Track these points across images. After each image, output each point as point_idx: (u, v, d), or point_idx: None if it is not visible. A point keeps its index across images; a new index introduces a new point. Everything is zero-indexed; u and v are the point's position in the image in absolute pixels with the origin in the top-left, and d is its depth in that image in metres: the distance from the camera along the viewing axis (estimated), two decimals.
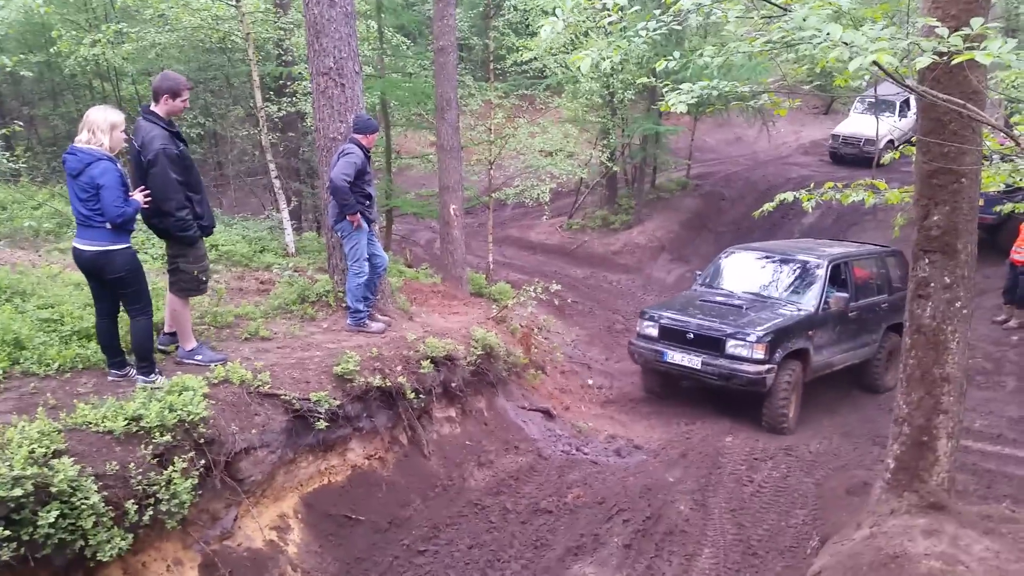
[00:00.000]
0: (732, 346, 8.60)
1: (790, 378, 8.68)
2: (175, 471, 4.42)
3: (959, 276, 4.91)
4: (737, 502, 6.80)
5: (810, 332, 9.02)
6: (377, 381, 6.27)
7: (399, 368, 6.62)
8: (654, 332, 9.35)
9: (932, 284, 5.07)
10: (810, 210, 6.94)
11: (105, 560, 4.00)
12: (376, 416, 6.46)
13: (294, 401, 5.58)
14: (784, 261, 10.00)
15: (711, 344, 8.77)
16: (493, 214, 12.99)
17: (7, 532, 3.46)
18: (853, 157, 20.10)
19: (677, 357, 9.01)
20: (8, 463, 3.58)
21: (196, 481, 4.60)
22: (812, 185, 6.79)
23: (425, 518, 6.15)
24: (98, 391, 4.75)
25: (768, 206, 7.02)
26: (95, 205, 4.79)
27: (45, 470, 3.69)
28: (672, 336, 9.15)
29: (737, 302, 9.39)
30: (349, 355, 6.22)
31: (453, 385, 7.29)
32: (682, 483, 7.18)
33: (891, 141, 18.79)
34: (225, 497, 5.09)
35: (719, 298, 9.63)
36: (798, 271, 9.74)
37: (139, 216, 5.25)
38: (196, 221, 5.52)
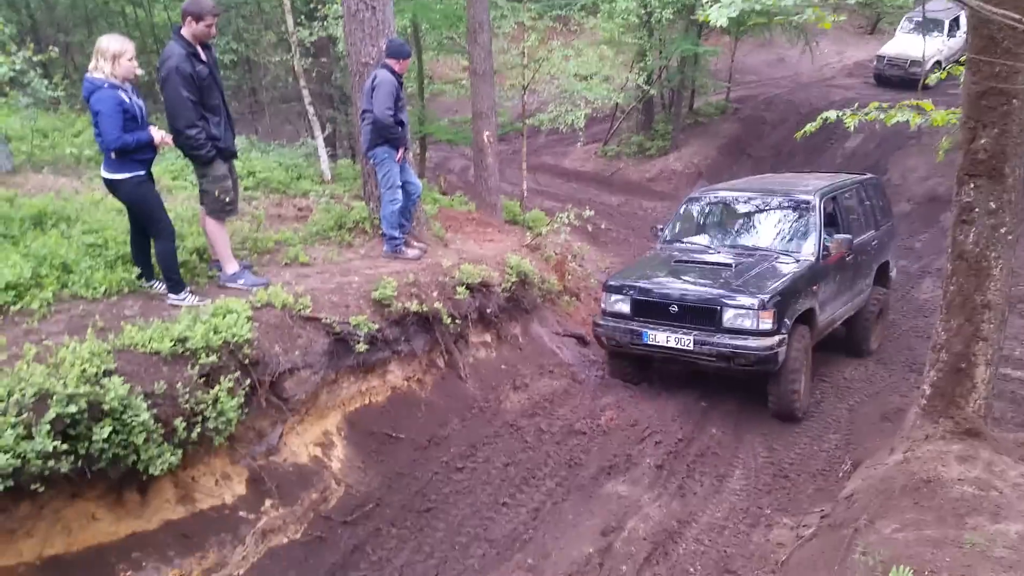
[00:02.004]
0: (731, 317, 6.83)
1: (800, 347, 7.03)
2: (221, 390, 4.58)
3: (1005, 201, 4.80)
4: (769, 427, 6.87)
5: (815, 287, 7.40)
6: (414, 306, 6.37)
7: (435, 294, 6.70)
8: (626, 308, 7.40)
9: (976, 209, 4.96)
10: (853, 129, 6.74)
11: (157, 474, 4.21)
12: (414, 340, 6.59)
13: (335, 325, 5.70)
14: (765, 201, 8.24)
15: (703, 316, 6.96)
16: (527, 141, 12.82)
17: (64, 446, 3.63)
18: (898, 79, 19.36)
19: (660, 337, 7.09)
20: (62, 381, 3.73)
21: (242, 400, 4.77)
22: (856, 106, 6.59)
23: (463, 437, 6.32)
24: (144, 314, 4.89)
25: (810, 127, 6.81)
26: (98, 132, 4.92)
27: (97, 388, 3.85)
28: (651, 311, 7.25)
29: (723, 259, 7.61)
30: (387, 281, 6.31)
31: (488, 311, 7.37)
32: (715, 407, 7.25)
33: (938, 63, 18.04)
34: (271, 415, 5.28)
35: (698, 256, 7.85)
36: (785, 212, 8.02)
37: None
38: (212, 142, 5.56)
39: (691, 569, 5.08)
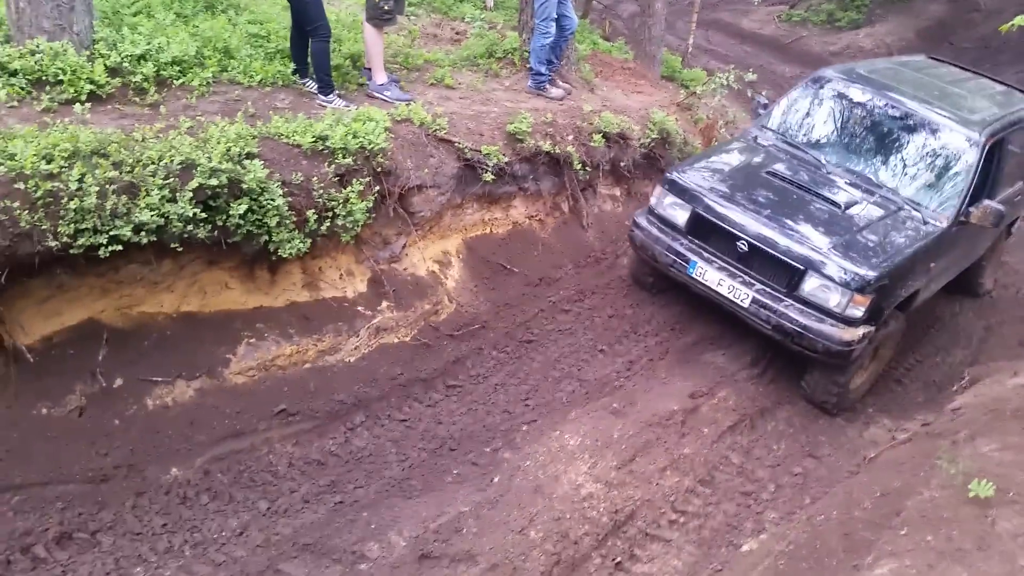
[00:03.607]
0: (814, 286, 5.09)
1: (880, 337, 5.37)
2: (353, 191, 4.82)
3: None
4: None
5: (932, 264, 5.54)
6: (547, 146, 6.34)
7: (570, 137, 6.62)
8: (681, 218, 5.61)
9: None
10: None
11: (286, 257, 4.57)
12: (541, 180, 6.61)
13: (466, 150, 5.79)
14: (911, 118, 5.93)
15: (777, 271, 5.22)
16: None
17: (204, 215, 3.98)
18: None
19: (712, 276, 5.41)
20: (208, 156, 4.03)
21: (371, 205, 5.02)
22: None
23: (574, 282, 6.42)
24: (293, 108, 5.13)
25: (1020, 19, 5.92)
26: None
27: (239, 168, 4.13)
28: (710, 234, 5.49)
29: (833, 192, 5.61)
30: (524, 116, 6.27)
31: (622, 164, 7.23)
32: None
33: None
34: (396, 226, 5.54)
35: (802, 175, 5.77)
36: (933, 142, 5.82)
37: None
38: None
39: (775, 446, 5.12)
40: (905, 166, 5.87)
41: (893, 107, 6.04)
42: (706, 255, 5.51)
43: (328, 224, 4.74)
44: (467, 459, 4.61)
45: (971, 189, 5.61)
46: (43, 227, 3.51)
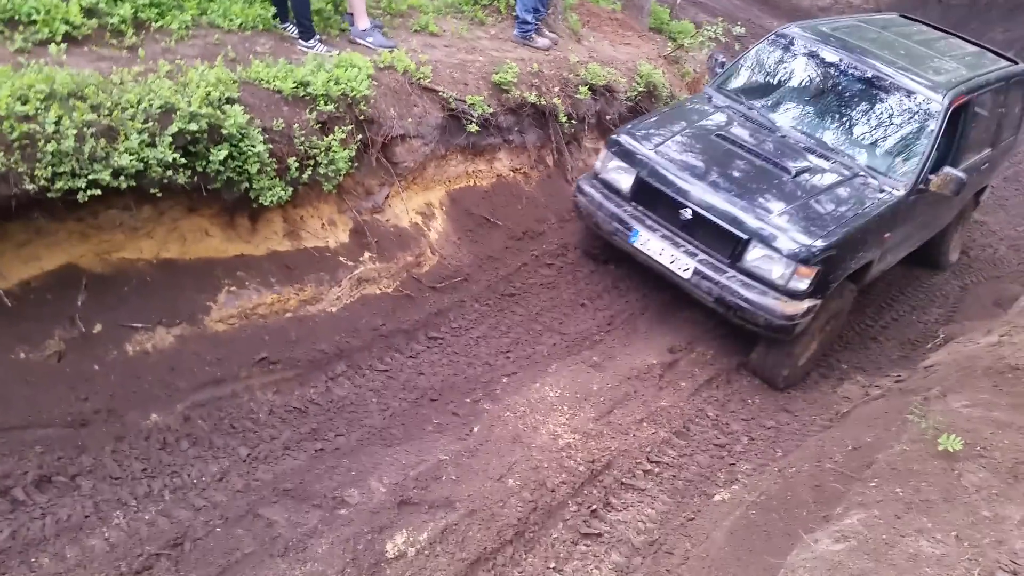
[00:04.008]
0: (758, 257, 4.89)
1: (831, 310, 5.27)
2: (335, 139, 4.76)
3: None
4: (873, 293, 6.58)
5: (887, 235, 5.36)
6: (532, 97, 6.27)
7: (556, 89, 6.55)
8: (626, 183, 5.41)
9: None
10: None
11: (267, 205, 4.51)
12: (526, 132, 6.57)
13: (451, 100, 5.71)
14: (872, 79, 5.68)
15: (720, 240, 5.01)
16: None
17: (183, 160, 3.91)
18: None
19: (654, 246, 5.22)
20: (187, 100, 3.95)
21: (353, 153, 4.95)
22: None
23: (558, 237, 6.42)
24: (273, 53, 5.02)
25: None
26: None
27: (218, 112, 4.05)
28: (655, 202, 5.29)
29: (784, 157, 5.34)
30: (509, 66, 6.18)
31: (607, 117, 7.18)
32: None
33: None
34: (379, 176, 5.49)
35: (753, 139, 5.53)
36: (892, 107, 5.59)
37: None
38: None
39: (749, 400, 5.21)
40: (863, 130, 5.64)
41: (854, 67, 5.77)
42: (649, 223, 5.31)
43: (310, 172, 4.68)
44: (447, 409, 4.65)
45: (932, 155, 5.36)
46: (19, 169, 3.44)
